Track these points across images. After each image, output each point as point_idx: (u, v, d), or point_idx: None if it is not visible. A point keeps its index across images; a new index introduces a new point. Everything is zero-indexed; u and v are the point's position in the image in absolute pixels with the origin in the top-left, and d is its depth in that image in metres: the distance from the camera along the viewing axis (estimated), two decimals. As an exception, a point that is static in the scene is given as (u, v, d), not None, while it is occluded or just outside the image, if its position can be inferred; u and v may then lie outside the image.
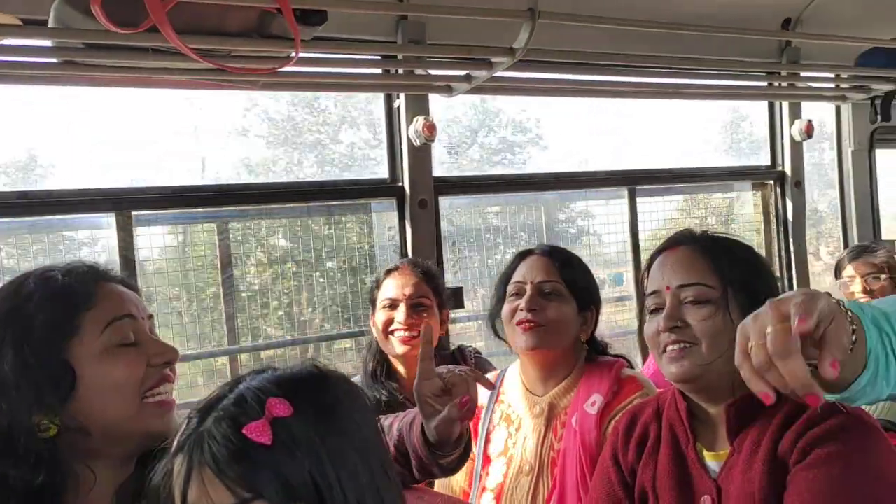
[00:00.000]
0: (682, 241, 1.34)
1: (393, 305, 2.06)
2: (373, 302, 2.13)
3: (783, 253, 3.53)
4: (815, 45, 3.00)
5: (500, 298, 1.79)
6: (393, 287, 2.08)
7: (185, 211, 2.47)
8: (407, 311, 2.03)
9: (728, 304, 1.26)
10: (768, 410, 1.21)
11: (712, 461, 1.27)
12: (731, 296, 1.26)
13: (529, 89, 2.66)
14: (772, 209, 3.56)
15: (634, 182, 3.23)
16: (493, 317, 1.81)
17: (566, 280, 1.72)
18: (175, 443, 0.82)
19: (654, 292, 1.31)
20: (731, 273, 1.28)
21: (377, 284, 2.13)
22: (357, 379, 2.11)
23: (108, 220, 2.24)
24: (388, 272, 2.12)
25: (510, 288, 1.76)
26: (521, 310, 1.69)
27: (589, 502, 1.42)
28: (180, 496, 0.79)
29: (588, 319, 1.76)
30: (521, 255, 1.81)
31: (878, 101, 3.38)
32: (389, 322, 2.05)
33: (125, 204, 2.25)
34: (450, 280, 2.85)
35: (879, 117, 3.40)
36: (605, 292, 3.30)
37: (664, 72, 2.70)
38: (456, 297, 2.74)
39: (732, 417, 1.24)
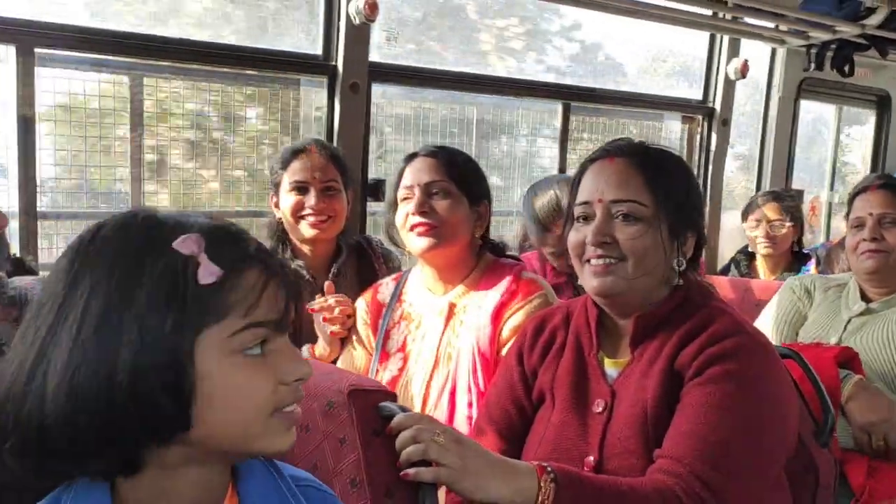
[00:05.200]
0: (618, 153, 1.31)
1: (302, 189, 2.01)
2: (277, 184, 2.05)
3: (702, 187, 3.61)
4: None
5: (391, 205, 1.75)
6: (301, 169, 2.02)
7: (96, 56, 2.26)
8: (318, 196, 1.99)
9: (659, 222, 1.25)
10: (672, 323, 1.24)
11: (612, 368, 1.30)
12: (662, 214, 1.25)
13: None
14: (696, 143, 3.61)
15: (569, 97, 3.21)
16: (389, 224, 1.77)
17: (453, 178, 1.69)
18: None
19: (584, 202, 1.29)
20: (664, 190, 1.26)
21: (283, 166, 2.04)
22: None
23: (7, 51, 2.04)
24: (295, 153, 2.04)
25: (400, 193, 1.72)
26: (413, 214, 1.66)
27: (488, 397, 1.43)
28: None
29: (481, 214, 1.74)
30: (408, 159, 1.76)
31: (813, 50, 3.43)
32: (300, 206, 2.00)
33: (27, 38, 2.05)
34: (379, 172, 2.77)
35: (812, 65, 3.45)
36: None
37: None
38: (376, 189, 2.68)
39: (638, 328, 1.27)
